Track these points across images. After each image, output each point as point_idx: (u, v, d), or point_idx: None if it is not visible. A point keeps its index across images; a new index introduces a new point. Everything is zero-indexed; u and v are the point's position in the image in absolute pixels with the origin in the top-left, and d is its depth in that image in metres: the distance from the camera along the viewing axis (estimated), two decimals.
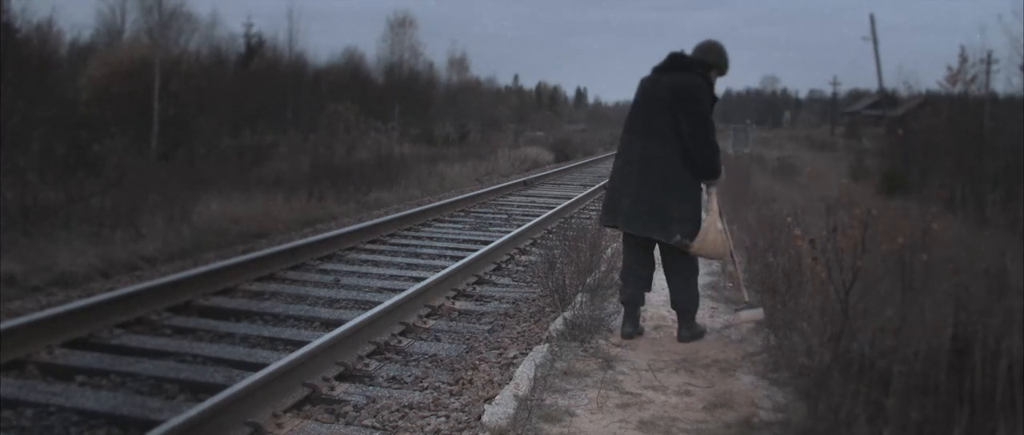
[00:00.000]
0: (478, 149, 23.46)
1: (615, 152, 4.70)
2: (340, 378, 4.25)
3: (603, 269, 5.82)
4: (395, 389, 4.16)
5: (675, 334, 4.55)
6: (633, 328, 4.51)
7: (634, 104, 4.50)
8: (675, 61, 4.44)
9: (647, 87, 4.45)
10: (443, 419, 3.70)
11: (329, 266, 7.13)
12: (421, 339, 5.11)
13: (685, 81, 4.32)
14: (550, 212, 10.53)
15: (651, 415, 3.37)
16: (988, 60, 14.88)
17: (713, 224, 4.35)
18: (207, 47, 21.67)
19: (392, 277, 6.73)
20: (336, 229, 8.76)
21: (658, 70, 4.46)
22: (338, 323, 4.87)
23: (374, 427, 3.66)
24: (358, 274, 6.84)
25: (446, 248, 8.19)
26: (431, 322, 5.49)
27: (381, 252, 7.92)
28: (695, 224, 4.30)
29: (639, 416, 3.35)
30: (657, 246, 4.50)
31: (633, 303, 4.54)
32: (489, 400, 3.67)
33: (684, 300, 4.47)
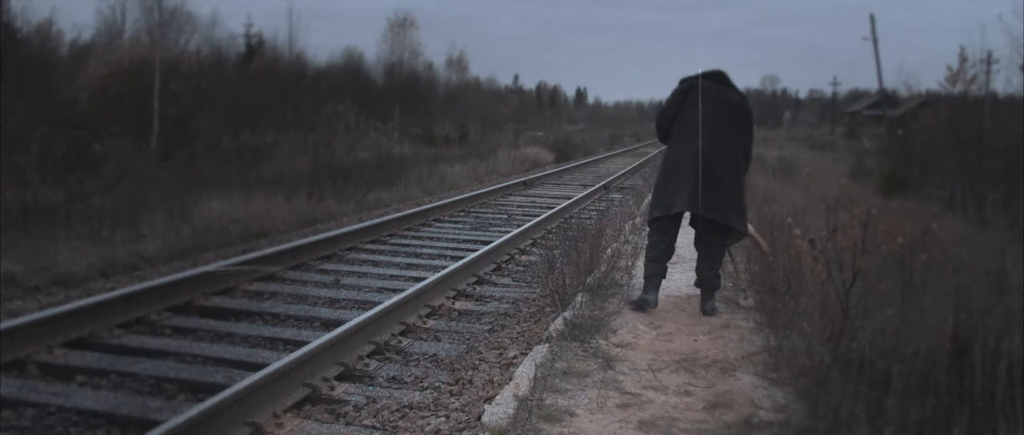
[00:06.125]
0: (478, 149, 23.41)
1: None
2: (340, 378, 4.25)
3: (603, 269, 5.81)
4: (395, 389, 4.16)
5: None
6: (656, 297, 5.01)
7: (693, 104, 4.95)
8: (724, 78, 5.08)
9: (710, 92, 4.96)
10: (443, 419, 3.70)
11: (329, 266, 7.13)
12: (421, 339, 5.11)
13: (744, 99, 5.11)
14: (550, 212, 10.52)
15: (651, 415, 3.37)
16: (988, 60, 14.88)
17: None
18: (207, 47, 21.63)
19: (392, 277, 6.73)
20: (336, 229, 8.75)
21: (707, 79, 5.00)
22: (338, 323, 4.87)
23: (374, 427, 3.66)
24: (358, 274, 6.84)
25: (446, 248, 8.19)
26: (431, 322, 5.49)
27: (381, 252, 7.92)
28: (745, 216, 5.07)
29: (639, 416, 3.35)
30: (701, 230, 5.05)
31: (661, 276, 5.05)
32: (489, 400, 3.67)
33: (714, 279, 5.06)
